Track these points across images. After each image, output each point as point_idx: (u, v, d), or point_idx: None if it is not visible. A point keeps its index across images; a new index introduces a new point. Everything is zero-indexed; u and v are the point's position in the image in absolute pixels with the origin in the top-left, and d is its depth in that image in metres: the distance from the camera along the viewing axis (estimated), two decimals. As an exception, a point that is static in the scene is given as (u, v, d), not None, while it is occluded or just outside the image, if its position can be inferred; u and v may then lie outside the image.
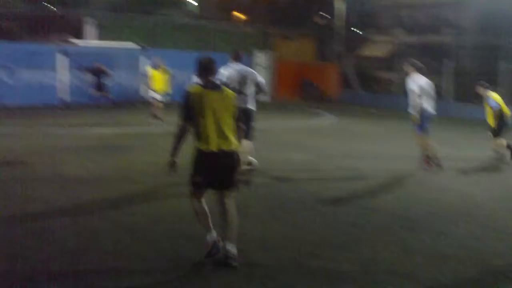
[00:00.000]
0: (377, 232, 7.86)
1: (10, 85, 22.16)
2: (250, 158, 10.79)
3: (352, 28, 48.76)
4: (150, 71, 18.81)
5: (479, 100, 15.45)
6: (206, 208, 6.46)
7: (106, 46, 25.42)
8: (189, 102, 6.28)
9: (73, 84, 22.51)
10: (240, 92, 9.93)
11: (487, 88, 14.25)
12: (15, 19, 31.80)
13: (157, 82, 18.46)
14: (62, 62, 22.54)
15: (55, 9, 35.34)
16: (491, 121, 14.03)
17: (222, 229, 6.37)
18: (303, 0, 66.52)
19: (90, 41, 26.65)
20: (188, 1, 67.59)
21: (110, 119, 19.32)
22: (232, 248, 6.27)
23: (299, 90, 33.87)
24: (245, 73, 10.76)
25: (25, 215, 7.90)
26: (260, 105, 25.01)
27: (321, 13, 55.20)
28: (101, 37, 27.44)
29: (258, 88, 10.80)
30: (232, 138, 6.35)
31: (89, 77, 22.56)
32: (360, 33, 47.63)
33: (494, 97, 14.13)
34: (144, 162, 12.14)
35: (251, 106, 10.64)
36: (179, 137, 6.31)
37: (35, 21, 40.83)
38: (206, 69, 6.51)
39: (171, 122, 8.95)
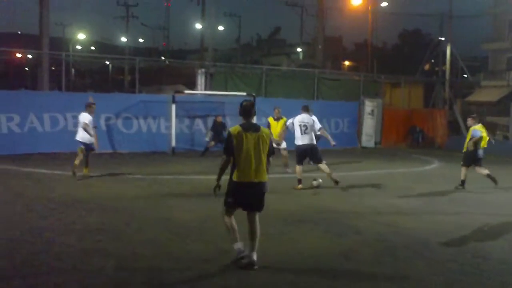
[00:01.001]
0: (490, 282, 7.75)
1: (125, 134, 23.29)
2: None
3: (462, 75, 48.13)
4: (271, 121, 19.11)
5: None
6: (235, 224, 8.07)
7: (216, 95, 26.24)
8: (230, 140, 7.80)
9: (182, 132, 23.38)
10: (304, 133, 15.40)
11: (475, 121, 16.78)
12: (132, 72, 33.47)
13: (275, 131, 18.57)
14: (174, 111, 23.48)
15: (167, 62, 37.03)
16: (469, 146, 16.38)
17: (249, 240, 8.00)
18: (411, 47, 66.42)
19: (201, 91, 27.58)
20: (296, 51, 68.86)
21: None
22: (254, 256, 7.87)
23: (406, 136, 33.57)
24: (307, 121, 15.50)
25: (133, 254, 8.37)
26: (367, 151, 25.27)
27: (429, 59, 54.76)
28: (212, 87, 28.35)
29: (316, 130, 15.87)
30: (264, 172, 7.92)
31: (210, 131, 23.18)
32: (470, 78, 46.89)
33: (478, 128, 16.54)
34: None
35: (314, 142, 15.59)
36: (223, 167, 7.95)
37: (151, 73, 42.88)
38: (246, 112, 8.03)
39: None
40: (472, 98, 44.52)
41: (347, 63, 69.63)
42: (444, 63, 40.74)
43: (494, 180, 16.54)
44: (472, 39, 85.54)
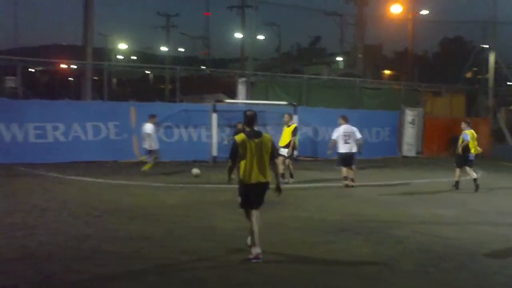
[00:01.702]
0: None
1: (166, 143, 23.44)
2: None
3: (506, 83, 47.37)
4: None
5: None
6: (256, 227, 8.74)
7: (257, 104, 26.30)
8: (235, 147, 8.71)
9: (223, 141, 23.47)
10: (345, 143, 17.49)
11: (468, 126, 18.25)
12: (173, 81, 33.79)
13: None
14: (215, 120, 23.61)
15: (208, 71, 37.28)
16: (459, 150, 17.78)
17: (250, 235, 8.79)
18: (453, 55, 65.68)
19: (242, 100, 27.67)
20: (336, 60, 68.68)
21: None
22: (256, 251, 8.58)
23: (449, 145, 33.13)
24: (350, 130, 17.65)
25: (175, 262, 8.44)
26: (408, 160, 25.03)
27: (471, 67, 54.04)
28: (253, 96, 28.43)
29: (358, 140, 17.75)
30: (267, 172, 8.83)
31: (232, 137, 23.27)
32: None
33: (468, 132, 17.93)
34: (296, 217, 12.48)
35: (353, 151, 17.56)
36: (230, 170, 9.01)
37: (191, 82, 43.18)
38: (249, 121, 8.96)
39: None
40: (516, 106, 43.77)
41: (387, 72, 69.14)
42: (487, 71, 40.17)
43: (477, 186, 17.54)
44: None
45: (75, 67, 35.31)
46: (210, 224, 11.34)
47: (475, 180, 17.69)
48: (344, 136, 17.58)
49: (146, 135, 19.41)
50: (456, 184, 17.87)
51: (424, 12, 47.34)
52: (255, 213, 8.88)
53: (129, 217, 11.78)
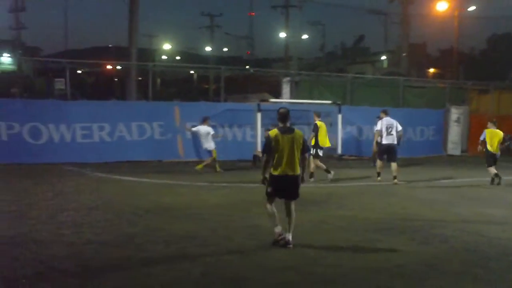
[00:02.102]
0: None
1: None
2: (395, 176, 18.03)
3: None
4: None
5: None
6: (275, 210, 9.58)
7: (302, 103, 26.26)
8: (269, 142, 9.38)
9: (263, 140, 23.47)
10: (389, 134, 17.95)
11: (493, 125, 18.99)
12: (217, 81, 33.98)
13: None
14: (259, 120, 23.62)
15: (252, 70, 37.38)
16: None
17: (287, 223, 9.52)
18: (501, 52, 64.55)
19: (287, 100, 27.65)
20: (380, 59, 68.23)
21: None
22: (290, 237, 9.37)
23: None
24: (391, 123, 18.10)
25: (219, 261, 8.49)
26: (453, 159, 24.69)
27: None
28: (297, 95, 28.39)
29: (399, 132, 18.18)
30: (296, 166, 9.39)
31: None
32: None
33: (487, 131, 18.86)
34: (340, 216, 12.44)
35: (395, 142, 18.04)
36: (265, 165, 9.48)
37: (235, 82, 43.34)
38: (282, 117, 9.60)
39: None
40: None
41: (432, 70, 68.36)
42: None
43: (493, 181, 18.53)
44: None
45: (120, 68, 35.74)
46: (254, 223, 11.33)
47: (496, 175, 18.58)
48: (387, 128, 18.06)
49: (204, 136, 20.66)
50: (492, 181, 18.58)
51: (471, 8, 46.68)
52: (290, 205, 9.63)
53: (173, 216, 11.89)
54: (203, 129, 20.69)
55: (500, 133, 18.76)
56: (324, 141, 18.84)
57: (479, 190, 17.49)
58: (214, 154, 20.62)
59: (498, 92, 35.80)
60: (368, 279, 7.84)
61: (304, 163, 9.82)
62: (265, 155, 9.53)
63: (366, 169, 21.43)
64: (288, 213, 9.63)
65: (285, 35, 50.75)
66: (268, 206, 9.65)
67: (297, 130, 9.67)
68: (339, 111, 24.42)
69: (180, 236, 10.07)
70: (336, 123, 24.43)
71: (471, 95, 34.76)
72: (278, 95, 29.92)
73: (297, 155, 9.44)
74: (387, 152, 18.21)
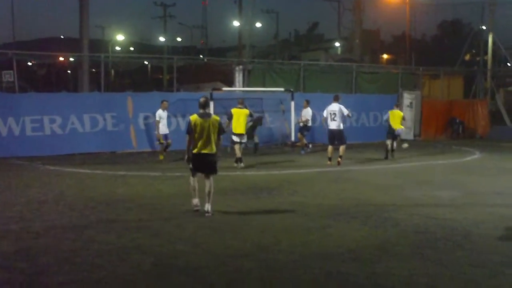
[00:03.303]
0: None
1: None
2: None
3: (504, 64, 47.27)
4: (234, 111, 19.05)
5: None
6: (196, 185, 11.28)
7: (254, 91, 26.28)
8: (190, 124, 11.04)
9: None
10: (332, 120, 18.64)
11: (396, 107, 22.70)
12: (171, 71, 33.76)
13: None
14: (212, 109, 23.51)
15: (205, 60, 37.19)
16: None
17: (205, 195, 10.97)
18: (451, 38, 65.52)
19: (239, 88, 27.63)
20: (334, 45, 68.52)
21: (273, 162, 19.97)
22: (209, 207, 10.91)
23: (446, 128, 33.14)
24: (334, 109, 18.64)
25: (171, 251, 8.45)
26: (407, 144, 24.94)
27: (470, 50, 53.84)
28: (250, 83, 28.36)
29: (344, 116, 18.68)
30: (213, 146, 11.07)
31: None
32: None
33: (390, 112, 21.78)
34: (292, 202, 12.49)
35: (340, 127, 18.61)
36: (188, 144, 11.18)
37: (189, 71, 43.14)
38: (202, 105, 11.28)
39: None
40: (514, 86, 43.71)
41: (385, 56, 68.99)
42: (486, 53, 40.06)
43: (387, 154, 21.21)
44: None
45: (73, 59, 35.21)
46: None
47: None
48: (331, 114, 18.79)
49: (155, 121, 20.30)
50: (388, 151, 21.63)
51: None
52: (207, 179, 11.15)
53: (126, 207, 11.79)
54: (157, 113, 20.37)
55: (400, 113, 22.46)
56: (239, 127, 18.84)
57: (430, 173, 17.80)
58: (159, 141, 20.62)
59: (448, 78, 36.39)
60: (319, 264, 7.88)
61: (219, 144, 11.40)
62: (187, 136, 11.16)
63: (320, 156, 21.54)
64: (207, 186, 11.04)
65: (239, 23, 50.62)
66: (191, 179, 11.39)
67: (214, 115, 11.49)
68: (292, 98, 24.50)
69: (132, 227, 10.01)
70: (289, 110, 24.54)
71: (423, 80, 35.23)
72: (231, 83, 29.87)
73: (214, 136, 11.08)
74: (334, 137, 18.86)
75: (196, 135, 11.00)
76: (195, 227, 10.08)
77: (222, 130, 11.47)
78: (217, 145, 11.24)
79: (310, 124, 23.31)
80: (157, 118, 20.07)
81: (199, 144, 11.02)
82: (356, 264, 7.90)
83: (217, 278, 7.35)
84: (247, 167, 18.37)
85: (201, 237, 9.36)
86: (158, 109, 20.40)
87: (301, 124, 23.29)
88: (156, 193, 13.72)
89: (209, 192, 11.02)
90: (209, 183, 11.09)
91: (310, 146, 23.42)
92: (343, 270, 7.63)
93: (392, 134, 21.69)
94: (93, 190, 13.97)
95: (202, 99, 11.42)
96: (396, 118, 21.87)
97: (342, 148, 18.94)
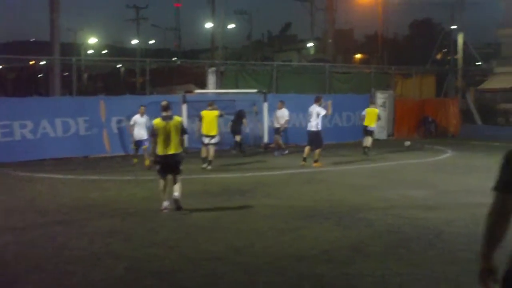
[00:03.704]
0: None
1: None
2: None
3: (474, 63, 47.79)
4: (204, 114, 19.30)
5: None
6: (165, 186, 11.66)
7: (227, 93, 26.24)
8: (154, 127, 11.60)
9: (193, 131, 23.31)
10: (308, 121, 18.93)
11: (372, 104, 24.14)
12: (144, 74, 33.63)
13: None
14: (185, 111, 23.45)
15: (179, 62, 37.13)
16: None
17: (170, 192, 11.50)
18: (423, 37, 66.03)
19: (212, 90, 27.57)
20: (307, 46, 68.67)
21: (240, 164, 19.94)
22: (177, 196, 11.49)
23: (419, 127, 33.38)
24: (310, 110, 18.81)
25: (144, 255, 8.40)
26: (379, 143, 25.17)
27: (441, 49, 54.32)
28: (223, 85, 28.31)
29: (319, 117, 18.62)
30: (176, 147, 11.56)
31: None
32: (482, 66, 46.60)
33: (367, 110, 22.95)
34: (265, 205, 12.48)
35: (315, 129, 18.57)
36: (153, 145, 11.73)
37: (162, 74, 42.99)
38: (163, 108, 11.75)
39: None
40: (485, 85, 44.05)
41: (358, 56, 69.32)
42: (456, 52, 40.43)
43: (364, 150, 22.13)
44: (485, 25, 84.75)
45: (44, 63, 34.85)
46: (180, 215, 11.30)
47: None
48: (308, 116, 19.11)
49: (130, 126, 19.89)
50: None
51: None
52: (173, 178, 11.60)
53: (98, 213, 11.69)
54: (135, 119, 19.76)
55: (376, 110, 23.40)
56: (208, 129, 19.01)
57: (403, 173, 17.90)
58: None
59: (420, 77, 36.66)
60: (293, 266, 7.90)
61: (183, 143, 12.03)
62: (152, 139, 11.80)
63: (293, 157, 21.57)
64: (173, 182, 11.61)
65: (212, 25, 50.51)
66: (160, 182, 11.75)
67: (176, 117, 12.00)
68: (265, 100, 24.50)
69: (105, 232, 9.94)
70: (262, 112, 24.54)
71: (396, 79, 35.44)
72: (204, 86, 29.77)
73: (176, 137, 11.58)
74: (311, 139, 18.88)
75: (160, 138, 11.50)
76: (168, 230, 10.05)
77: (184, 131, 12.01)
78: (181, 145, 11.82)
79: (286, 125, 23.24)
80: (131, 123, 19.66)
81: (163, 145, 11.53)
82: (330, 265, 7.93)
83: (191, 282, 7.34)
84: (219, 169, 18.37)
85: (174, 240, 9.33)
86: (132, 112, 20.27)
87: (281, 127, 23.11)
88: (129, 197, 13.63)
89: (178, 187, 11.61)
90: (175, 182, 11.62)
91: (287, 152, 23.09)
92: (316, 271, 7.65)
93: (365, 130, 22.62)
94: (65, 196, 13.81)
95: (164, 103, 11.98)
96: (372, 116, 22.64)
97: (315, 152, 18.85)
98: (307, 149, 19.01)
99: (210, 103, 19.76)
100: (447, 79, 38.20)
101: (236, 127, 23.28)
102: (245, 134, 24.29)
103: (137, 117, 19.66)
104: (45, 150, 21.54)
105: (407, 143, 25.58)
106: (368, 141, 22.61)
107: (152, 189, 14.11)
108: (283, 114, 22.97)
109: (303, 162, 18.90)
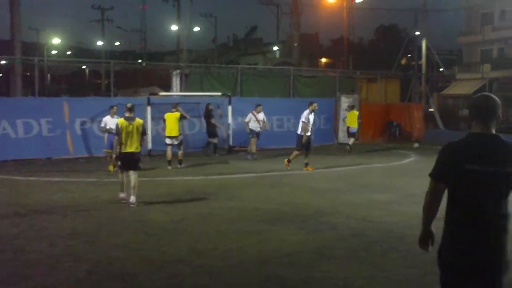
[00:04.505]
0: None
1: (103, 138, 22.98)
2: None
3: (437, 69, 48.48)
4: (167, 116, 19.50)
5: None
6: (124, 180, 12.83)
7: (191, 96, 26.14)
8: (118, 127, 12.51)
9: (158, 133, 23.17)
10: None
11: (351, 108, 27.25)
12: (109, 76, 33.35)
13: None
14: (149, 114, 23.31)
15: (144, 64, 36.89)
16: None
17: (128, 189, 12.43)
18: (388, 42, 66.71)
19: (177, 93, 27.46)
20: (273, 49, 68.84)
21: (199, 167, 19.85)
22: (133, 199, 12.32)
23: (384, 131, 33.67)
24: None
25: (106, 258, 8.29)
26: (345, 147, 25.22)
27: (406, 54, 54.89)
28: (188, 87, 28.20)
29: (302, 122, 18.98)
30: (136, 145, 12.54)
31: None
32: (445, 72, 47.28)
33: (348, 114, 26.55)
34: (229, 207, 12.45)
35: (298, 132, 19.08)
36: (116, 144, 12.71)
37: (127, 76, 42.67)
38: (128, 110, 12.67)
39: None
40: (448, 91, 44.83)
41: (324, 60, 69.70)
42: (420, 57, 40.92)
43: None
44: (448, 32, 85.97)
45: (4, 62, 34.29)
46: (143, 217, 11.23)
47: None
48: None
49: (101, 128, 18.67)
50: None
51: (359, 0, 47.97)
52: (132, 174, 12.51)
53: (60, 215, 11.52)
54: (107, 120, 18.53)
55: (356, 112, 26.83)
56: (170, 130, 19.26)
57: (367, 176, 18.01)
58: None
59: (385, 81, 37.01)
60: (256, 269, 7.87)
61: (143, 143, 13.05)
62: (116, 137, 12.69)
63: (258, 160, 21.58)
64: (131, 181, 12.45)
65: (177, 28, 50.31)
66: (120, 175, 13.05)
67: (138, 118, 12.83)
68: (229, 103, 24.47)
69: (67, 234, 9.80)
70: (226, 115, 24.50)
71: (361, 84, 35.70)
72: (169, 88, 29.63)
73: (137, 137, 12.52)
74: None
75: (123, 136, 12.43)
76: (131, 233, 9.95)
77: (144, 132, 12.91)
78: (140, 145, 12.77)
79: (259, 129, 22.98)
80: (102, 124, 18.25)
81: (125, 144, 12.45)
82: (293, 268, 7.90)
83: (153, 285, 7.27)
84: (184, 172, 18.31)
85: (137, 243, 9.24)
86: (96, 114, 20.04)
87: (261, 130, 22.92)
88: (92, 199, 13.46)
89: (134, 186, 12.41)
90: (133, 178, 12.47)
91: (255, 157, 22.82)
92: (280, 274, 7.62)
93: (348, 132, 26.21)
94: (27, 198, 13.59)
95: (129, 105, 12.92)
96: (352, 117, 26.10)
97: (293, 154, 19.15)
98: (297, 153, 19.23)
99: (174, 105, 19.88)
100: (411, 84, 38.63)
101: (210, 129, 23.29)
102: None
103: (107, 118, 18.34)
104: (6, 151, 21.19)
105: (416, 145, 28.95)
106: (350, 140, 26.01)
107: (115, 191, 13.97)
108: (263, 117, 22.78)
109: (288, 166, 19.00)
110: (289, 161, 18.93)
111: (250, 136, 22.69)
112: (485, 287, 4.38)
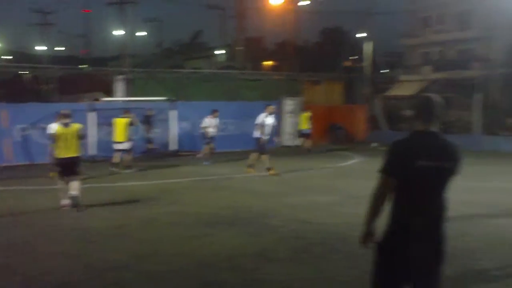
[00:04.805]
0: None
1: (42, 145, 22.58)
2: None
3: (381, 71, 49.23)
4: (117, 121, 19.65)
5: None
6: (64, 187, 12.55)
7: (135, 101, 25.93)
8: (54, 133, 12.53)
9: (101, 139, 22.89)
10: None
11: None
12: (51, 81, 32.86)
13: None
14: (91, 119, 23.01)
15: (90, 69, 36.41)
16: None
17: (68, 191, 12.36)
18: (333, 45, 67.33)
19: (120, 98, 27.21)
20: (216, 53, 68.73)
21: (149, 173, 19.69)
22: (75, 194, 12.34)
23: (327, 133, 33.92)
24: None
25: (42, 268, 8.13)
26: (288, 150, 25.41)
27: (349, 56, 55.58)
28: (132, 92, 27.97)
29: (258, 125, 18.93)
30: (74, 150, 12.48)
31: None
32: (388, 74, 48.07)
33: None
34: (170, 212, 12.37)
35: (254, 135, 18.99)
36: (51, 150, 12.92)
37: (70, 82, 42.01)
38: (65, 116, 12.60)
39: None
40: (391, 92, 45.49)
41: (269, 63, 69.91)
42: (364, 60, 41.43)
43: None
44: (389, 35, 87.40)
45: None
46: (83, 225, 11.03)
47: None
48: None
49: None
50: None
51: (304, 2, 48.29)
52: (71, 180, 12.43)
53: (-3, 224, 11.25)
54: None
55: (307, 114, 27.64)
56: (118, 135, 19.48)
57: (310, 179, 18.09)
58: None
59: (328, 83, 37.32)
60: (198, 273, 7.85)
61: (80, 148, 12.95)
62: (51, 144, 12.75)
63: (200, 165, 21.50)
64: (71, 186, 12.41)
65: (122, 32, 49.81)
66: (60, 182, 12.72)
67: (75, 124, 12.78)
68: (174, 107, 24.34)
69: (3, 245, 9.53)
70: (170, 120, 24.39)
71: (305, 86, 35.90)
72: (112, 93, 29.33)
73: (75, 142, 12.52)
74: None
75: (61, 142, 12.40)
76: (71, 240, 9.80)
77: (82, 136, 13.01)
78: (78, 150, 12.71)
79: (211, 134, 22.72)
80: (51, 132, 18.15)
81: (63, 150, 12.41)
82: (235, 272, 7.91)
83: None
84: (125, 177, 18.16)
85: (77, 250, 9.13)
86: (37, 120, 19.63)
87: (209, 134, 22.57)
88: (32, 207, 13.08)
89: (75, 189, 12.39)
90: (75, 182, 12.46)
91: (208, 163, 22.68)
92: (221, 278, 7.62)
93: (300, 133, 27.83)
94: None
95: (66, 111, 12.85)
96: (304, 120, 27.49)
97: (254, 156, 19.11)
98: (264, 157, 18.90)
99: (126, 111, 20.04)
100: (355, 86, 39.06)
101: (148, 135, 23.31)
102: (154, 140, 24.23)
103: (54, 125, 18.36)
104: None
105: (374, 144, 29.43)
106: (305, 142, 27.47)
107: (55, 199, 13.70)
108: (215, 122, 22.56)
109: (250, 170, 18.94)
110: (250, 166, 18.89)
111: (206, 141, 22.48)
112: (420, 273, 4.68)
